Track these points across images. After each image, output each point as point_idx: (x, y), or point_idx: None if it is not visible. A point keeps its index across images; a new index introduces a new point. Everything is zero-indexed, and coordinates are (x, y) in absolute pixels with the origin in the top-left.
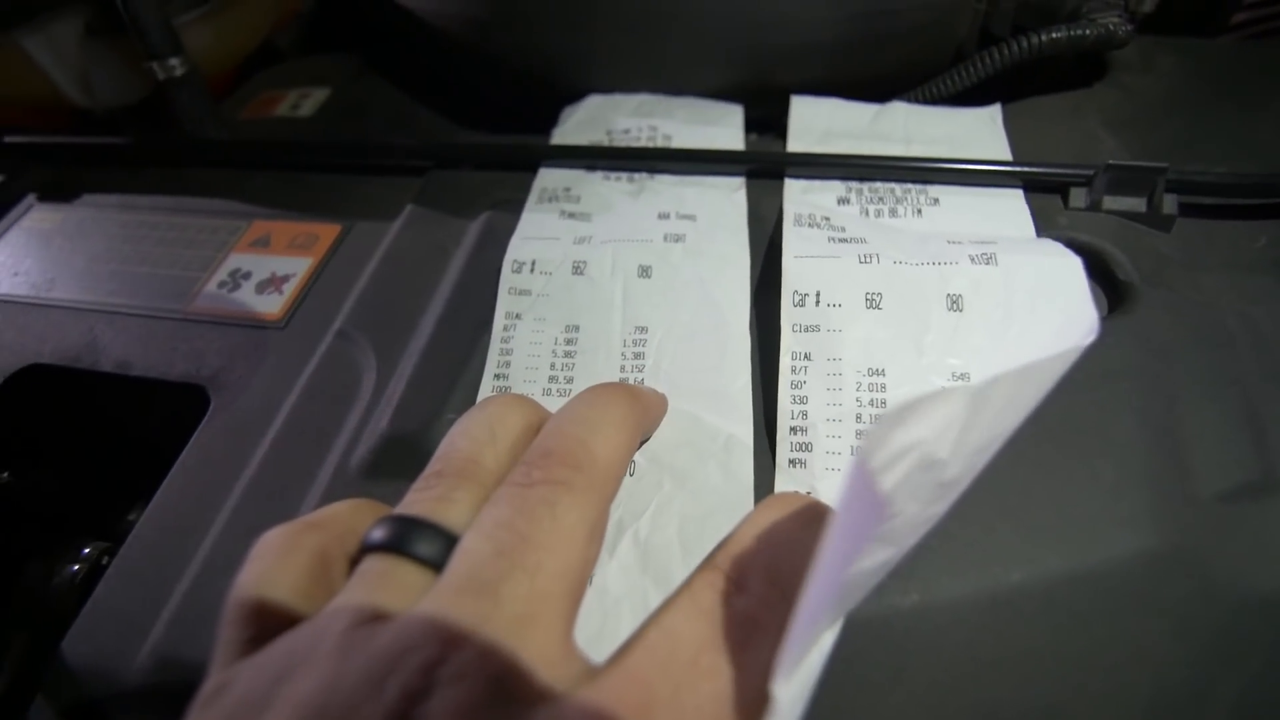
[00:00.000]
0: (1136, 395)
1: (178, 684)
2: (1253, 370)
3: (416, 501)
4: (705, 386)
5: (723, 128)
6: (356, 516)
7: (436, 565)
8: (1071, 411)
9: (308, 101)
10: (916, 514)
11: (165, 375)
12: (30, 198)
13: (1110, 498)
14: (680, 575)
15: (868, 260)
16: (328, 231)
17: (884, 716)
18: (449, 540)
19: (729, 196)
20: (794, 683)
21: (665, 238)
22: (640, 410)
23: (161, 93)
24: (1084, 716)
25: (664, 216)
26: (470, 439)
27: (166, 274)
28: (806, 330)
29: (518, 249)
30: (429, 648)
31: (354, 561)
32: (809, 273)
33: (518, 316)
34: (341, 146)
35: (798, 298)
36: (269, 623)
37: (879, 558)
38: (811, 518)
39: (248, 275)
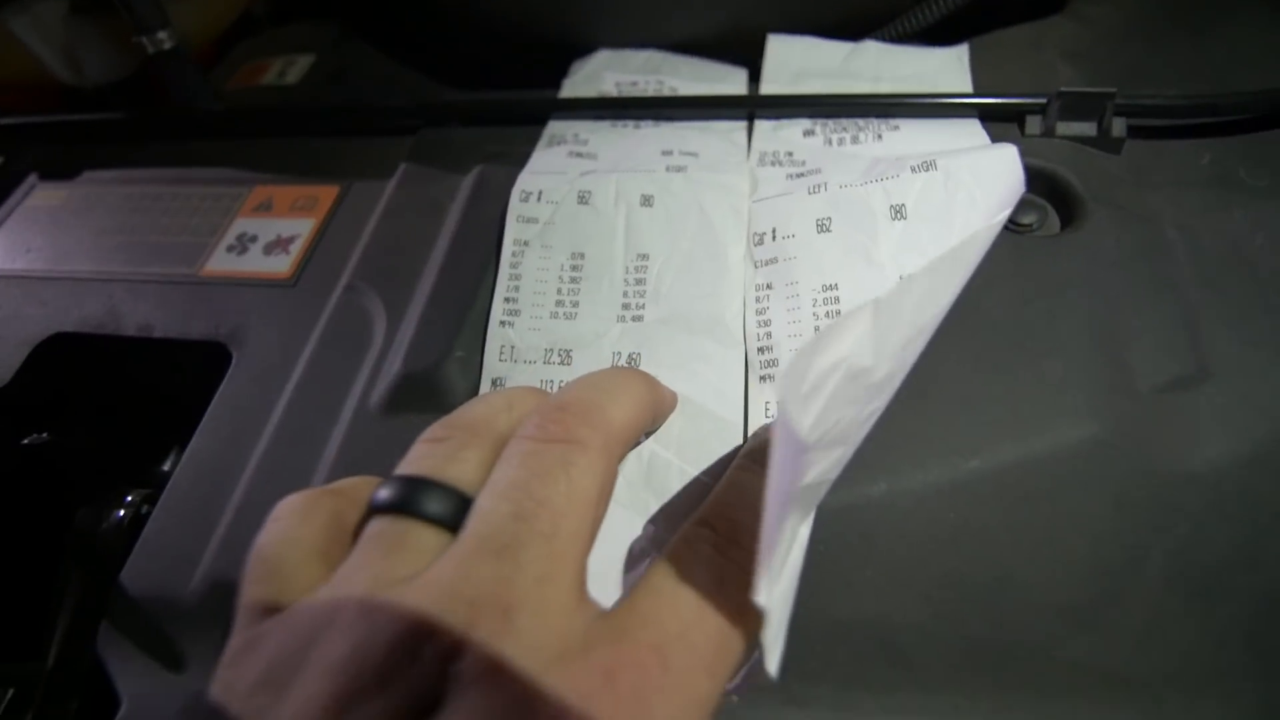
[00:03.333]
0: (1083, 302)
1: (231, 604)
2: (1190, 277)
3: (423, 456)
4: (702, 312)
5: (727, 85)
6: (371, 485)
7: (447, 524)
8: (1024, 318)
9: (293, 69)
10: (858, 413)
11: (186, 335)
12: (32, 177)
13: (1058, 392)
14: (678, 489)
15: (816, 190)
16: (327, 193)
17: (857, 590)
18: (459, 499)
19: (729, 137)
20: (779, 585)
21: (668, 169)
22: (655, 395)
23: (150, 67)
24: (1033, 582)
25: (667, 153)
26: (487, 404)
27: (175, 242)
28: (767, 264)
29: (526, 181)
30: (458, 611)
31: (363, 522)
32: (766, 213)
33: (525, 244)
34: (337, 110)
35: (757, 237)
36: (290, 582)
37: (833, 455)
38: None
39: (254, 238)
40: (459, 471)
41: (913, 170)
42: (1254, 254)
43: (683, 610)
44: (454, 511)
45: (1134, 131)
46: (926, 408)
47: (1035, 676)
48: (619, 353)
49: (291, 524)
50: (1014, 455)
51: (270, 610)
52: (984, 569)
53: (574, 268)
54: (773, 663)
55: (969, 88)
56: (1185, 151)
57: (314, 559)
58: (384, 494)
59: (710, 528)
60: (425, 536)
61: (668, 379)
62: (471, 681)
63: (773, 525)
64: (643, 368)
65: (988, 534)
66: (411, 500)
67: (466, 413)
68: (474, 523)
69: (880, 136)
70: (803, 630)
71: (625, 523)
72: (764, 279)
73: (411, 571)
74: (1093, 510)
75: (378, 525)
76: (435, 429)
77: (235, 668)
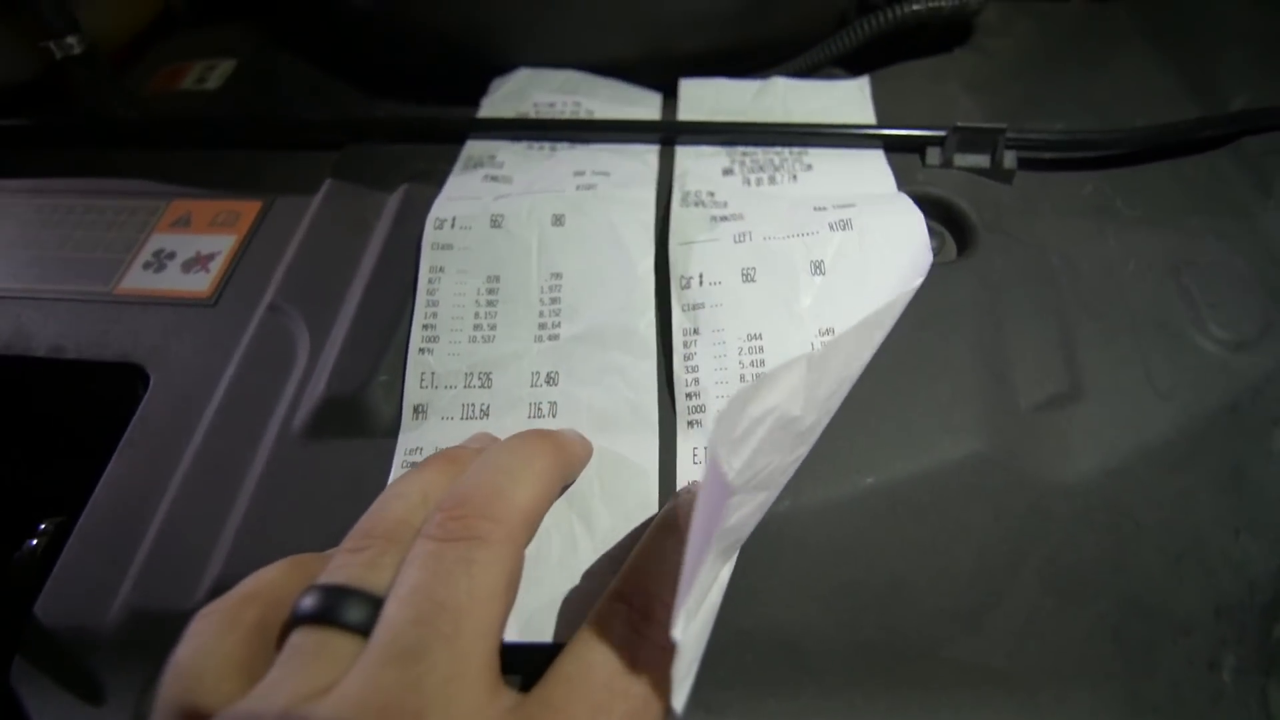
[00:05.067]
0: (971, 326)
1: (151, 634)
2: (1070, 301)
3: (345, 565)
4: (615, 325)
5: (642, 108)
6: (291, 581)
7: (366, 631)
8: (917, 343)
9: (214, 74)
10: (783, 460)
11: (101, 356)
12: None
13: (945, 411)
14: (599, 510)
15: (741, 239)
16: (249, 208)
17: (763, 599)
18: (378, 605)
19: (641, 158)
20: (695, 623)
21: (578, 188)
22: (564, 461)
23: (59, 71)
24: (921, 586)
25: (579, 173)
26: (403, 501)
27: (89, 257)
28: (693, 308)
29: (440, 208)
30: None
31: (286, 630)
32: (693, 258)
33: (441, 270)
34: (259, 122)
35: (684, 281)
36: (207, 697)
37: (757, 500)
38: None
39: (172, 255)
40: (378, 578)
41: (830, 228)
42: (1126, 279)
43: (594, 698)
44: (373, 617)
45: (1024, 163)
46: (828, 429)
47: (924, 675)
48: (537, 372)
49: (210, 637)
50: (905, 471)
51: None
52: (877, 577)
53: (490, 291)
54: (679, 699)
55: (871, 117)
56: (1069, 182)
57: (233, 673)
58: (306, 604)
59: (625, 602)
60: (345, 645)
61: (585, 394)
62: None
63: (694, 561)
64: (560, 385)
65: (881, 545)
66: (332, 609)
67: (383, 516)
68: (380, 630)
69: (795, 177)
70: (714, 639)
71: (553, 546)
72: (690, 324)
73: (329, 682)
74: (975, 521)
75: (298, 637)
76: (354, 538)
77: None
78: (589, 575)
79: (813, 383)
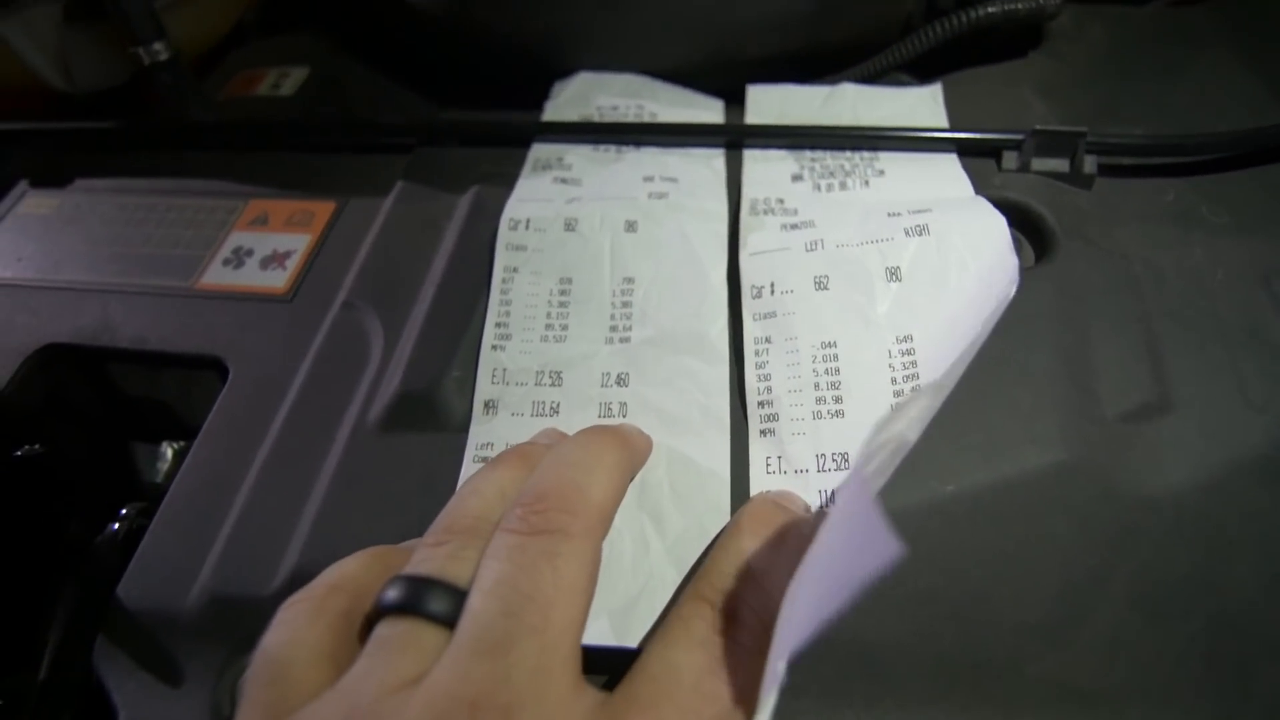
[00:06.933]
0: (1053, 333)
1: (229, 618)
2: (1155, 309)
3: (427, 559)
4: (687, 331)
5: (705, 113)
6: (372, 572)
7: (450, 622)
8: (998, 350)
9: (288, 81)
10: (884, 484)
11: (182, 349)
12: (22, 184)
13: (1027, 420)
14: (670, 511)
15: (813, 248)
16: (323, 209)
17: None
18: (461, 597)
19: (708, 163)
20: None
21: (650, 196)
22: (630, 455)
23: (145, 77)
24: (1003, 600)
25: (649, 179)
26: (480, 497)
27: (170, 254)
28: (765, 317)
29: (514, 209)
30: (460, 715)
31: (370, 620)
32: (763, 268)
33: (515, 270)
34: (334, 125)
35: (755, 290)
36: (297, 686)
37: None
38: (782, 539)
39: (250, 252)
40: (460, 570)
41: (906, 233)
42: (1214, 288)
43: (682, 699)
44: (456, 608)
45: (1104, 169)
46: None
47: (1006, 691)
48: (608, 373)
49: (299, 626)
50: (985, 479)
51: (276, 714)
52: (958, 588)
53: (562, 292)
54: (764, 715)
55: (945, 124)
56: (1151, 189)
57: (321, 662)
58: (391, 595)
59: (708, 603)
60: (431, 637)
61: (655, 396)
62: None
63: (809, 596)
64: (631, 386)
65: (962, 555)
66: (417, 600)
67: (463, 511)
68: (466, 622)
69: (867, 183)
70: None
71: (625, 548)
72: (762, 332)
73: (417, 673)
74: (1060, 532)
75: (384, 628)
76: (435, 533)
77: None
78: (661, 579)
79: (933, 409)
